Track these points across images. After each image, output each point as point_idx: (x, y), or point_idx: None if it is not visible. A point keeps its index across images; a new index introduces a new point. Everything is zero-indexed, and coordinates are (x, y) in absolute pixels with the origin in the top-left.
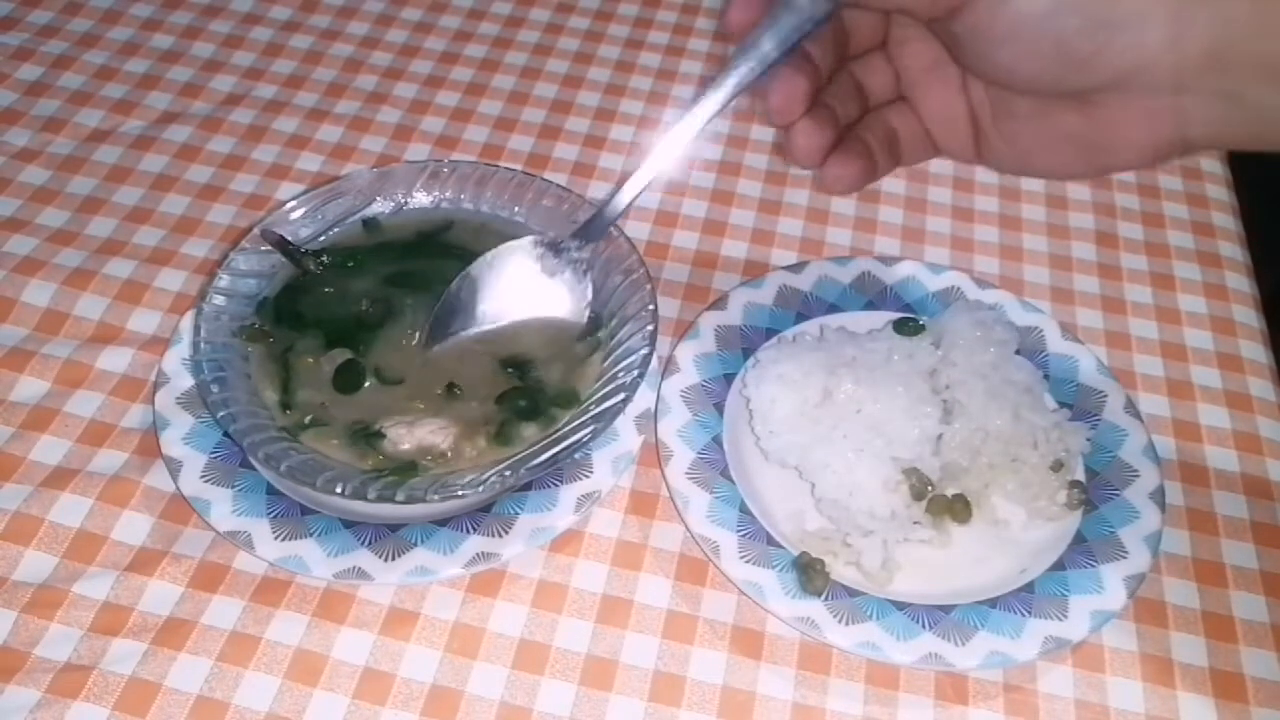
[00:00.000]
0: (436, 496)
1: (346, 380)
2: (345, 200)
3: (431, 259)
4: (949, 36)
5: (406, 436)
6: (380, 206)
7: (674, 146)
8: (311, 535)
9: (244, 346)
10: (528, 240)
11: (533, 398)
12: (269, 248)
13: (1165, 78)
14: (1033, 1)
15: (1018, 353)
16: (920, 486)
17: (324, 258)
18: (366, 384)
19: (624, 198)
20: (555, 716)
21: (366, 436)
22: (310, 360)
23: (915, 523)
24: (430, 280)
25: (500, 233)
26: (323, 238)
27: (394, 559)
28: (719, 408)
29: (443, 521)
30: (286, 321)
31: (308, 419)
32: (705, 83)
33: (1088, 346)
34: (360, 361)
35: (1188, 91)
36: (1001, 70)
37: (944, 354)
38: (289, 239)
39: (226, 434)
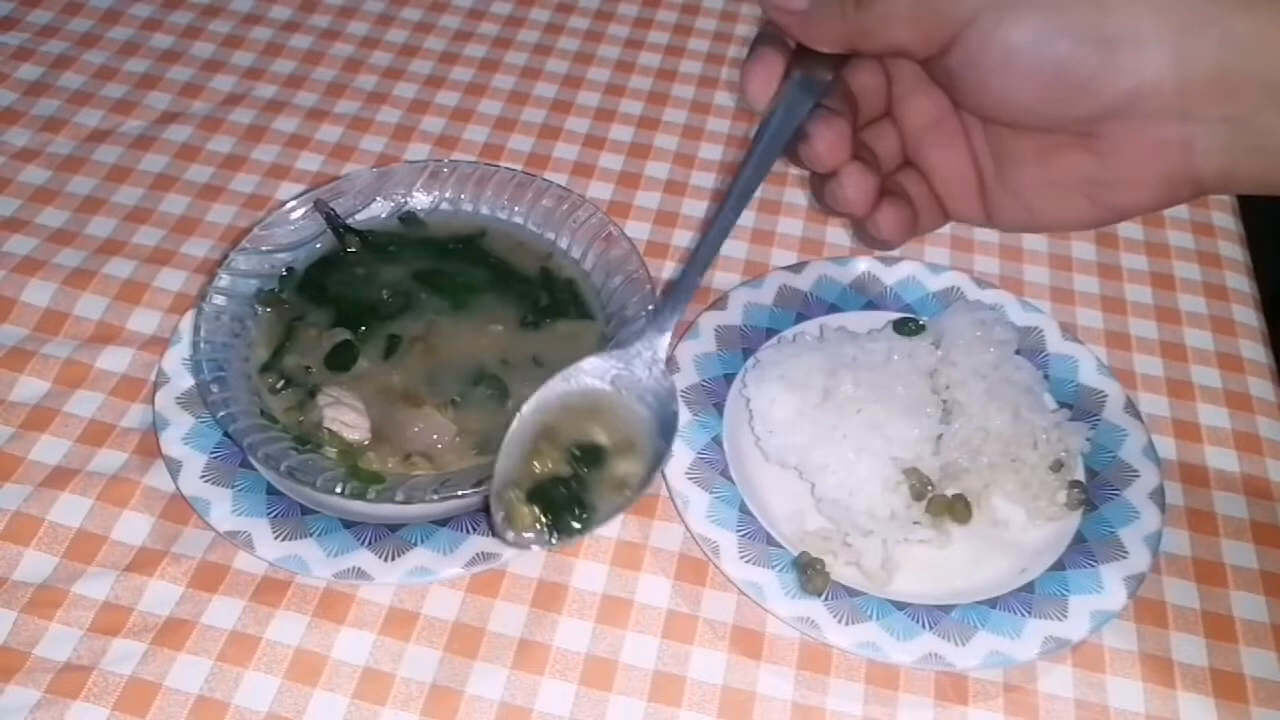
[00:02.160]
0: (436, 496)
1: (338, 360)
2: (345, 200)
3: (462, 263)
4: (946, 75)
5: (327, 408)
6: (419, 201)
7: (726, 227)
8: (311, 535)
9: (254, 310)
10: (593, 364)
11: (570, 486)
12: (270, 247)
13: (1170, 101)
14: (1024, 26)
15: (1018, 352)
16: (920, 486)
17: (368, 237)
18: (360, 365)
19: (689, 283)
20: (555, 716)
21: (310, 395)
22: (314, 333)
23: (915, 523)
24: (455, 284)
25: (533, 248)
26: (317, 243)
27: (394, 559)
28: (719, 408)
29: (443, 521)
30: (308, 292)
31: (280, 383)
32: (734, 168)
33: (1088, 346)
34: (356, 345)
35: (1194, 118)
36: (1001, 102)
37: (944, 354)
38: (338, 212)
39: (226, 434)
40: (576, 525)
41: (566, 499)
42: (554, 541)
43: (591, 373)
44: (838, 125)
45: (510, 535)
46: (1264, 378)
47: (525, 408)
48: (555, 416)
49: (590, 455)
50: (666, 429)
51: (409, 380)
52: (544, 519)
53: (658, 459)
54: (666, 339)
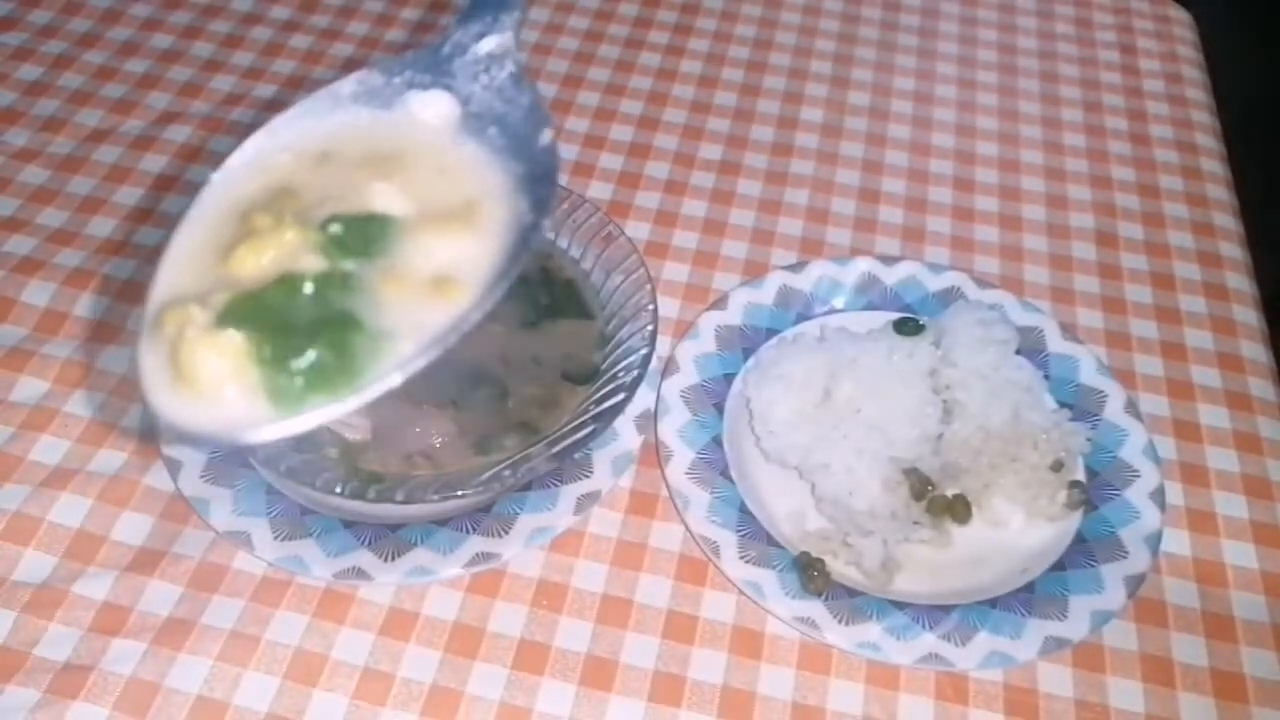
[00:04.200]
0: (436, 496)
1: None
2: None
3: None
4: None
5: None
6: None
7: None
8: (311, 535)
9: None
10: (367, 80)
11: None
12: None
13: None
14: None
15: (1018, 353)
16: (920, 486)
17: None
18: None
19: None
20: (555, 717)
21: None
22: None
23: (915, 523)
24: None
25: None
26: None
27: (394, 559)
28: (719, 408)
29: (443, 521)
30: None
31: None
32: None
33: (1088, 346)
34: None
35: None
36: None
37: (944, 354)
38: None
39: None
40: (330, 361)
41: (312, 318)
42: (282, 405)
43: (367, 92)
44: None
45: (161, 398)
46: (1264, 378)
47: (230, 160)
48: (296, 171)
49: (364, 234)
50: (538, 173)
51: (408, 380)
52: (263, 357)
53: (521, 226)
54: (511, 26)
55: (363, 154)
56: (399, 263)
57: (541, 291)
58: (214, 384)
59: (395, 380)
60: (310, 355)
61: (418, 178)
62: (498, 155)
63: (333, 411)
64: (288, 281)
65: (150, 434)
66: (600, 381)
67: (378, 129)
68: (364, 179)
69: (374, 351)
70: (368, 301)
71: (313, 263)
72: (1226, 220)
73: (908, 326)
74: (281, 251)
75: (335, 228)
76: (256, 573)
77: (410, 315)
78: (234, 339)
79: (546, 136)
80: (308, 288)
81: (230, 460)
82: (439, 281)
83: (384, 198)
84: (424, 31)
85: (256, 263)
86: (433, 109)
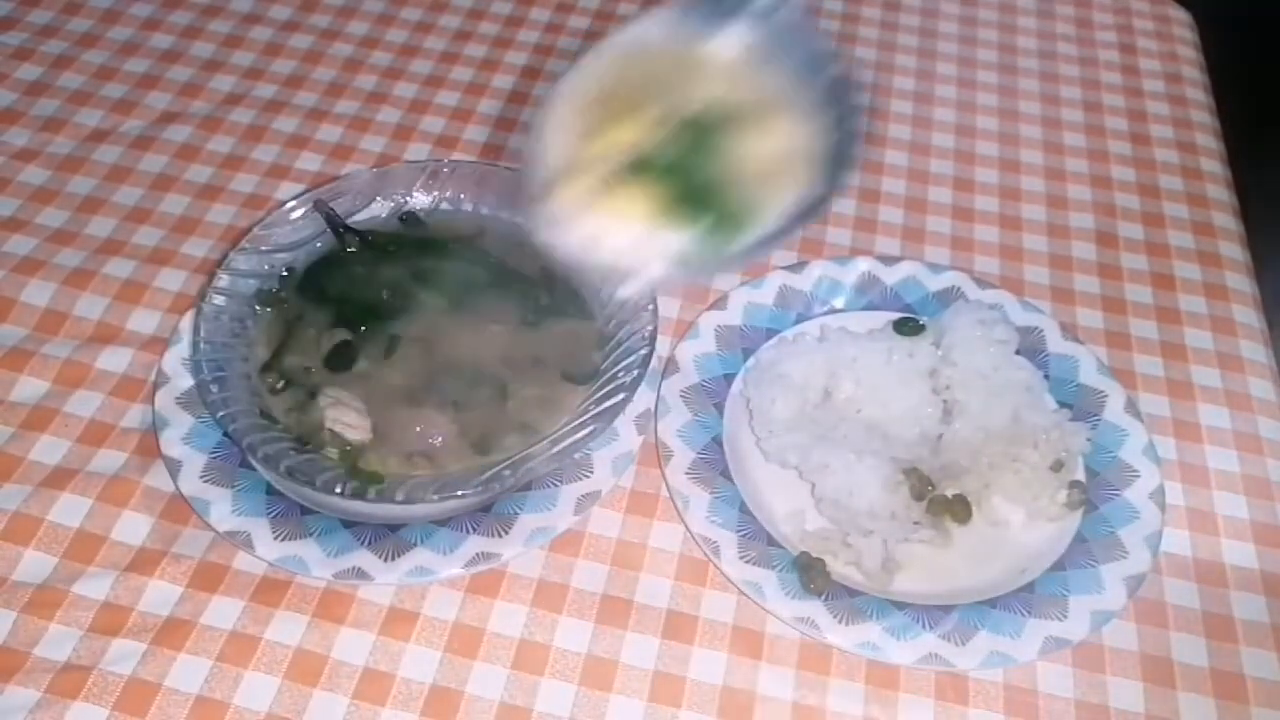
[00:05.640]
0: (436, 496)
1: (338, 360)
2: (345, 200)
3: (462, 263)
4: None
5: (329, 409)
6: (419, 201)
7: None
8: (311, 535)
9: (254, 310)
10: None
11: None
12: (270, 247)
13: None
14: None
15: (1018, 353)
16: (920, 487)
17: (368, 237)
18: (360, 365)
19: None
20: (555, 717)
21: (310, 395)
22: (312, 333)
23: (915, 523)
24: (455, 284)
25: (533, 248)
26: (317, 243)
27: (394, 559)
28: (719, 408)
29: (443, 521)
30: (308, 292)
31: (280, 384)
32: None
33: (1088, 346)
34: (355, 345)
35: None
36: None
37: (944, 354)
38: (337, 212)
39: (226, 434)
40: (715, 222)
41: (698, 182)
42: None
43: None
44: None
45: (572, 238)
46: (1264, 378)
47: (583, 61)
48: (634, 74)
49: (713, 121)
50: (832, 95)
51: (409, 380)
52: (669, 209)
53: (829, 144)
54: None
55: (689, 63)
56: (738, 148)
57: (541, 291)
58: (631, 223)
59: (763, 253)
60: (706, 216)
61: (735, 85)
62: (792, 81)
63: (718, 263)
64: (670, 147)
65: (149, 434)
66: (600, 381)
67: (690, 51)
68: (697, 82)
69: (745, 219)
70: (726, 174)
71: (675, 142)
72: (1226, 220)
73: (908, 326)
74: (648, 133)
75: (694, 110)
76: (256, 573)
77: (760, 194)
78: (644, 188)
79: (837, 68)
80: (690, 156)
81: (230, 460)
82: (775, 167)
83: (716, 95)
84: (424, 32)
85: (634, 137)
86: (732, 39)
